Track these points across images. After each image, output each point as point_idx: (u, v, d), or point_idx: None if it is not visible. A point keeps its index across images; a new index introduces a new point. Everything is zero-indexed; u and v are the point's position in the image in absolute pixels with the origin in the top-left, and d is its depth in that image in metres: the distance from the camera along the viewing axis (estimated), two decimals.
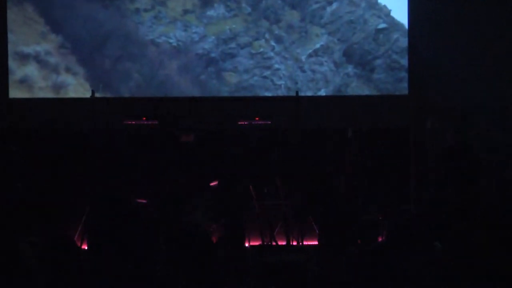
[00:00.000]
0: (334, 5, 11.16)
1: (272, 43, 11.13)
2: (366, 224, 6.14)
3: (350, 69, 11.18)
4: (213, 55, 11.07)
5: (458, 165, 8.06)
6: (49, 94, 10.93)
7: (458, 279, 3.34)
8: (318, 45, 11.16)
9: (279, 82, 11.13)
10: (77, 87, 10.94)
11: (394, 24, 11.18)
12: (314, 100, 11.04)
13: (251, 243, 9.89)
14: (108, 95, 10.87)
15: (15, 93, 10.95)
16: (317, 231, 9.12)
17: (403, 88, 11.14)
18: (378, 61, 11.18)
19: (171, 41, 11.02)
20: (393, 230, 4.34)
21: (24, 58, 10.95)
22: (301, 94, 10.80)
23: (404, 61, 11.15)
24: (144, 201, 9.04)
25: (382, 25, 11.18)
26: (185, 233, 5.22)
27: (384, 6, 11.20)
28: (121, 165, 10.38)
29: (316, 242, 9.36)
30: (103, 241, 4.68)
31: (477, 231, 3.42)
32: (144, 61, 10.99)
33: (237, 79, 11.11)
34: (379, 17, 11.20)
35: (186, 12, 11.09)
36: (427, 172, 9.27)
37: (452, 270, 3.37)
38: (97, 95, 10.54)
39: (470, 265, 3.31)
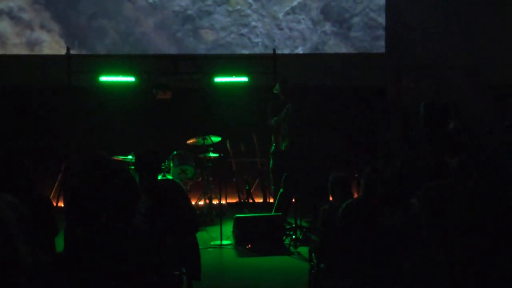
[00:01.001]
0: None
1: (249, 0, 11.01)
2: (338, 181, 6.15)
3: (327, 27, 11.12)
4: (189, 12, 10.94)
5: (436, 124, 8.12)
6: (24, 51, 10.75)
7: (435, 236, 3.37)
8: (295, 3, 11.07)
9: (256, 40, 11.05)
10: (52, 44, 10.77)
11: None
12: (291, 58, 10.99)
13: (228, 201, 9.95)
14: (84, 52, 10.73)
15: None
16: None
17: (380, 46, 11.12)
18: (356, 19, 11.13)
19: None
20: (369, 187, 4.37)
21: None
22: (278, 52, 10.76)
23: (382, 19, 11.10)
24: (120, 159, 9.03)
25: None
26: (163, 188, 5.22)
27: None
28: (97, 122, 10.31)
29: (292, 200, 9.43)
30: (80, 199, 4.65)
31: (453, 186, 3.44)
32: (120, 18, 10.82)
33: (214, 36, 11.01)
34: None
35: None
36: (403, 131, 9.34)
37: (428, 227, 3.40)
38: (72, 52, 10.41)
39: (447, 222, 3.34)
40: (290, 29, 11.07)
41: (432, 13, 10.89)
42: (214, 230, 8.36)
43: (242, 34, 11.03)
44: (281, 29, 11.06)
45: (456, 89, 10.77)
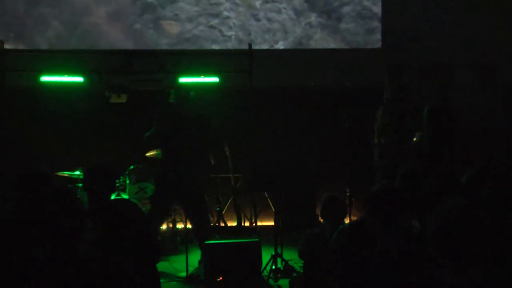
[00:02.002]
0: None
1: None
2: (330, 203, 6.18)
3: (313, 17, 11.15)
4: None
5: (440, 130, 8.14)
6: None
7: (448, 265, 3.36)
8: None
9: (229, 33, 11.05)
10: None
11: None
12: (271, 54, 10.98)
13: None
14: (21, 46, 10.63)
15: None
16: (274, 210, 9.14)
17: (375, 40, 11.16)
18: (346, 9, 11.16)
19: None
20: (376, 207, 4.35)
21: None
22: (255, 47, 10.74)
23: (377, 9, 11.15)
24: (66, 175, 8.94)
25: None
26: (116, 210, 5.14)
27: None
28: (38, 131, 10.21)
29: (272, 223, 9.41)
30: (13, 225, 4.56)
31: (467, 205, 3.43)
32: (65, 6, 10.75)
33: (179, 29, 10.99)
34: None
35: None
36: (402, 139, 9.34)
37: (440, 254, 3.39)
38: (6, 46, 10.30)
39: (463, 248, 3.33)
40: (269, 20, 11.08)
41: (437, 3, 10.94)
42: (178, 260, 8.32)
43: (212, 26, 11.02)
44: (258, 20, 11.06)
45: (466, 91, 10.82)
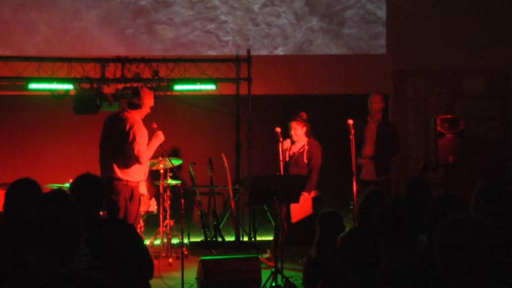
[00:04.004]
0: None
1: None
2: (327, 219, 6.14)
3: (314, 22, 11.14)
4: (142, 3, 10.90)
5: (449, 142, 8.16)
6: None
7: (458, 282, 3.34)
8: None
9: (226, 38, 11.03)
10: None
11: None
12: (270, 60, 10.97)
13: (191, 239, 9.86)
14: (8, 53, 10.59)
15: None
16: (273, 224, 9.11)
17: (379, 46, 11.14)
18: (349, 12, 11.15)
19: None
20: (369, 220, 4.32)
21: None
22: (254, 53, 10.74)
23: (382, 13, 11.14)
24: (55, 188, 8.90)
25: None
26: (106, 224, 5.11)
27: None
28: (25, 141, 10.20)
29: (271, 238, 9.38)
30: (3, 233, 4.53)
31: (476, 219, 3.40)
32: (55, 11, 10.73)
33: (173, 34, 10.96)
34: None
35: None
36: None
37: (448, 272, 3.36)
38: None
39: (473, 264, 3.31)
40: (268, 24, 11.06)
41: (445, 6, 10.94)
42: (173, 277, 8.26)
43: (208, 31, 11.00)
44: (256, 24, 11.05)
45: (475, 99, 10.82)
